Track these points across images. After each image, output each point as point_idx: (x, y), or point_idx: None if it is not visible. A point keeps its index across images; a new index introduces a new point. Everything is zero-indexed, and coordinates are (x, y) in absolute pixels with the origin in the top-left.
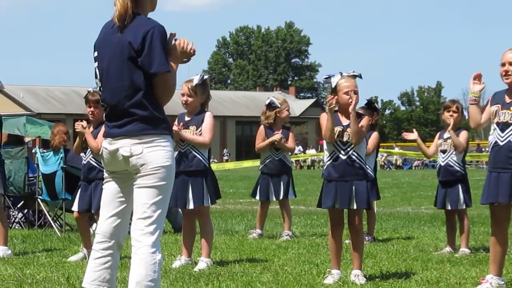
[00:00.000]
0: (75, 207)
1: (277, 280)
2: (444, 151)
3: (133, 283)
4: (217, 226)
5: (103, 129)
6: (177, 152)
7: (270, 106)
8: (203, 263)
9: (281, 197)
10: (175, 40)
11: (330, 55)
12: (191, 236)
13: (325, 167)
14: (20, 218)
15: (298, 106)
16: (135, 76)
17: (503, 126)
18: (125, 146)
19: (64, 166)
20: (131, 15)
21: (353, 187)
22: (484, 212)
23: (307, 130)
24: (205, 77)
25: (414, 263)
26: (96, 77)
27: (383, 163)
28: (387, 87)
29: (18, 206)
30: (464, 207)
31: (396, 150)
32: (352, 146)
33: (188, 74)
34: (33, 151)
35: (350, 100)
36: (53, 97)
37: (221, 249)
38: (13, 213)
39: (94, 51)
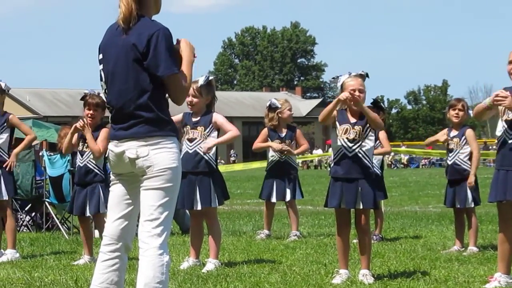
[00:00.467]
0: (69, 210)
1: (285, 280)
2: (451, 150)
3: (141, 285)
4: (225, 227)
5: (101, 134)
6: (184, 152)
7: (271, 107)
8: (211, 264)
9: (287, 198)
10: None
11: (336, 54)
12: (199, 237)
13: (332, 165)
14: (28, 221)
15: (304, 106)
16: (141, 78)
17: (511, 124)
18: (131, 148)
19: (71, 169)
20: (135, 17)
21: (359, 187)
22: (492, 210)
23: (313, 130)
24: (210, 78)
25: (422, 262)
26: (101, 79)
27: (390, 162)
28: (393, 86)
29: (26, 209)
30: (472, 205)
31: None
32: (359, 143)
33: (194, 75)
34: (40, 154)
35: (350, 93)
36: (59, 100)
37: (229, 250)
38: (21, 216)
39: (99, 54)
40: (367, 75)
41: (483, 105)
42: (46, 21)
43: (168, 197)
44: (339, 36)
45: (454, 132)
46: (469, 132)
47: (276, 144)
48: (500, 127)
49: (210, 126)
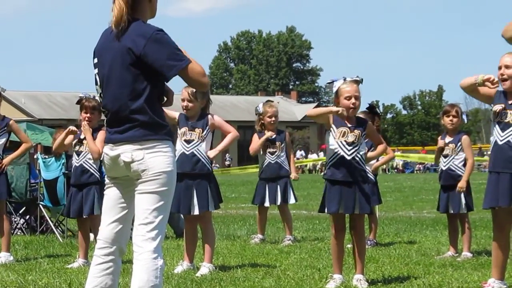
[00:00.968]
0: (66, 214)
1: (279, 285)
2: (445, 156)
3: None
4: (219, 231)
5: (99, 136)
6: (181, 153)
7: (256, 111)
8: (205, 268)
9: (278, 202)
10: None
11: (331, 59)
12: (193, 241)
13: (327, 167)
14: (22, 224)
15: (299, 110)
16: (136, 82)
17: (504, 126)
18: (126, 152)
19: (66, 171)
20: (126, 21)
21: (357, 192)
22: (486, 216)
23: (309, 135)
24: None
25: (416, 267)
26: (96, 83)
27: (385, 167)
28: (388, 91)
29: (20, 212)
30: (465, 211)
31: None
32: (357, 148)
33: None
34: (35, 157)
35: (352, 105)
36: (55, 102)
37: (223, 254)
38: (15, 219)
39: (94, 58)
40: (361, 81)
41: (473, 79)
42: (41, 24)
43: (163, 201)
44: (335, 40)
45: (449, 138)
46: (465, 139)
47: (269, 132)
48: (492, 130)
49: (207, 128)
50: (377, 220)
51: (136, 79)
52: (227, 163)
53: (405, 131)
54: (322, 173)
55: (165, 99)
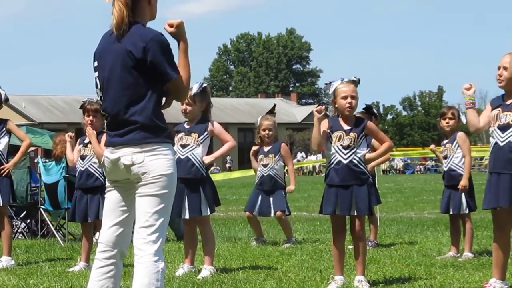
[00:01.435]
0: (71, 217)
1: (281, 287)
2: (445, 157)
3: None
4: (220, 233)
5: (103, 138)
6: (176, 158)
7: (255, 126)
8: (206, 271)
9: (271, 214)
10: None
11: (331, 61)
12: (193, 244)
13: (326, 171)
14: (23, 228)
15: (299, 112)
16: (137, 85)
17: (503, 127)
18: (127, 155)
19: (66, 175)
20: (127, 23)
21: (354, 193)
22: (487, 216)
23: (309, 137)
24: (204, 85)
25: (418, 268)
26: (96, 86)
27: (386, 168)
28: (388, 92)
29: (21, 216)
30: (467, 211)
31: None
32: (354, 150)
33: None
34: (36, 161)
35: (348, 105)
36: (55, 106)
37: (224, 257)
38: (16, 223)
39: (94, 61)
40: (358, 81)
41: (470, 111)
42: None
43: (164, 203)
44: (335, 42)
45: (446, 139)
46: (459, 135)
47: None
48: (492, 134)
49: (205, 133)
50: (377, 221)
51: (136, 82)
52: (228, 165)
53: (405, 132)
54: (323, 174)
55: (163, 100)
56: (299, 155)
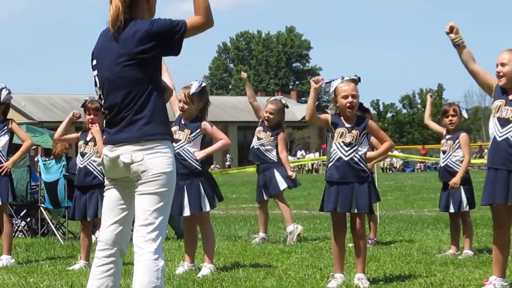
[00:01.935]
0: (71, 216)
1: (281, 285)
2: (444, 152)
3: None
4: (220, 231)
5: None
6: None
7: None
8: (206, 269)
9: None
10: None
11: (331, 59)
12: (193, 242)
13: (327, 168)
14: (23, 227)
15: (299, 110)
16: (136, 82)
17: (503, 122)
18: (126, 153)
19: (66, 174)
20: (122, 20)
21: (354, 191)
22: (487, 213)
23: (309, 134)
24: (204, 84)
25: (418, 265)
26: (95, 85)
27: (386, 166)
28: (388, 90)
29: (21, 214)
30: (467, 209)
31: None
32: (355, 148)
33: (189, 79)
34: (35, 159)
35: (349, 104)
36: (54, 105)
37: (224, 255)
38: (16, 222)
39: (93, 60)
40: (359, 80)
41: (463, 50)
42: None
43: (163, 201)
44: (334, 40)
45: (449, 135)
46: (463, 137)
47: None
48: (492, 124)
49: (197, 131)
50: (377, 219)
51: (135, 79)
52: (227, 163)
53: (405, 130)
54: (324, 173)
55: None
56: (299, 153)
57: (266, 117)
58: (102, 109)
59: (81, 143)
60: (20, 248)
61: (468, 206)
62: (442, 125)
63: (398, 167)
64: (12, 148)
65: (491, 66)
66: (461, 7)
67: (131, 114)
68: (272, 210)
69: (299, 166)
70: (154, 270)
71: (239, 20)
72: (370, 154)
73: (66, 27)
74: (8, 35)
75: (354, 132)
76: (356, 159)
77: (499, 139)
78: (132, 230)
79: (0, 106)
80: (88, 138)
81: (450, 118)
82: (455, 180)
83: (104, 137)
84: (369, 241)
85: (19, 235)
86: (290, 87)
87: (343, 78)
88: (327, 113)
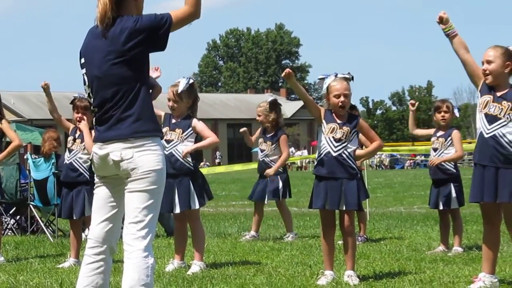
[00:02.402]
0: (58, 214)
1: (271, 282)
2: (435, 149)
3: (126, 287)
4: (210, 229)
5: (92, 135)
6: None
7: None
8: (196, 266)
9: (266, 200)
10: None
11: (320, 56)
12: (183, 240)
13: (316, 163)
14: (13, 225)
15: (289, 107)
16: (124, 79)
17: (491, 119)
18: (116, 150)
19: (56, 171)
20: (110, 17)
21: (343, 187)
22: (476, 210)
23: (298, 132)
24: (192, 81)
25: (407, 262)
26: (84, 83)
27: (376, 164)
28: (378, 87)
29: (10, 212)
30: (457, 206)
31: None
32: (345, 145)
33: (179, 76)
34: (25, 157)
35: (340, 104)
36: (44, 103)
37: (214, 252)
38: (6, 220)
39: (81, 58)
40: (352, 78)
41: (456, 38)
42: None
43: (153, 199)
44: (324, 37)
45: (440, 132)
46: (455, 134)
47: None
48: (478, 119)
49: (189, 129)
50: (366, 216)
51: (123, 76)
52: (217, 161)
53: (394, 126)
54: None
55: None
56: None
57: (259, 121)
58: (92, 107)
59: (70, 139)
60: (10, 246)
61: (457, 203)
62: (434, 121)
63: (387, 164)
64: (5, 146)
65: (480, 61)
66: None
67: (120, 112)
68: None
69: (289, 164)
70: (144, 268)
71: (228, 17)
72: (359, 152)
73: (56, 24)
74: None
75: (345, 128)
76: (344, 156)
77: (486, 135)
78: (122, 228)
79: None
80: (76, 135)
81: (442, 114)
82: (436, 160)
83: (93, 134)
84: (359, 238)
85: (9, 233)
86: (280, 84)
87: (336, 75)
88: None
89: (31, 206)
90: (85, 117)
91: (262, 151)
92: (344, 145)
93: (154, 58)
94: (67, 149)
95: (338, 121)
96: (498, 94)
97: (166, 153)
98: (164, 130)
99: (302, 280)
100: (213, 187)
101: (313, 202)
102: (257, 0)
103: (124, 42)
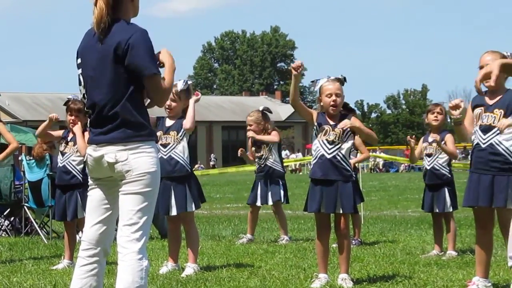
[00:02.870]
0: (53, 216)
1: (265, 285)
2: (429, 155)
3: None
4: (204, 231)
5: (86, 136)
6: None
7: None
8: (190, 268)
9: (269, 202)
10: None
11: (315, 59)
12: (177, 242)
13: (311, 166)
14: (7, 226)
15: (283, 110)
16: (120, 82)
17: (485, 128)
18: (110, 152)
19: (50, 173)
20: (106, 22)
21: (338, 191)
22: (470, 214)
23: (293, 134)
24: (189, 82)
25: (401, 266)
26: (80, 84)
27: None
28: (373, 90)
29: (5, 213)
30: (451, 210)
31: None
32: (338, 146)
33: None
34: (19, 158)
35: (332, 103)
36: (39, 104)
37: (208, 255)
38: (0, 221)
39: (77, 58)
40: (344, 79)
41: (458, 127)
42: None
43: (147, 201)
44: (319, 40)
45: (432, 137)
46: (448, 137)
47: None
48: (475, 133)
49: (182, 130)
50: (361, 219)
51: (119, 79)
52: (211, 163)
53: (389, 130)
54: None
55: (148, 100)
56: (283, 153)
57: (250, 130)
58: (85, 108)
59: (62, 142)
60: (4, 247)
61: (451, 207)
62: (426, 123)
63: (381, 167)
64: (2, 149)
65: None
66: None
67: (114, 114)
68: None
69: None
70: (138, 270)
71: (223, 19)
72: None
73: (51, 25)
74: None
75: (337, 130)
76: (338, 158)
77: (482, 145)
78: (116, 230)
79: None
80: (69, 138)
81: (436, 115)
82: (435, 137)
83: (86, 136)
84: (353, 241)
85: (3, 234)
86: (275, 87)
87: (328, 77)
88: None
89: (25, 207)
90: (78, 121)
91: (260, 158)
92: (337, 146)
93: None
94: (59, 153)
95: (331, 123)
96: (491, 102)
97: (165, 157)
98: (158, 134)
99: (296, 283)
100: (207, 190)
101: (309, 205)
102: (252, 2)
103: (116, 55)
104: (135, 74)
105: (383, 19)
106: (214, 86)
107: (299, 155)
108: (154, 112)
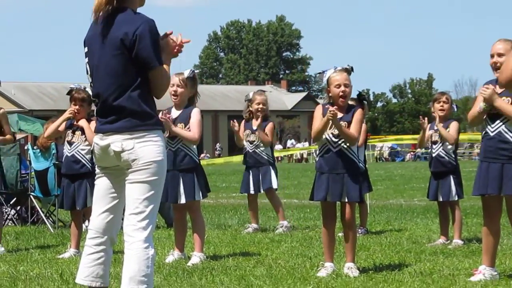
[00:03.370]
0: (60, 206)
1: (271, 273)
2: (435, 142)
3: (127, 278)
4: (210, 220)
5: (92, 124)
6: (167, 150)
7: (247, 99)
8: (196, 257)
9: (261, 189)
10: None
11: (321, 48)
12: (183, 231)
13: (317, 160)
14: (13, 215)
15: (289, 99)
16: (126, 71)
17: (493, 117)
18: (116, 141)
19: (56, 162)
20: (107, 8)
21: (345, 180)
22: (477, 203)
23: (299, 124)
24: (196, 71)
25: (407, 255)
26: (87, 72)
27: (377, 156)
28: (379, 79)
29: (11, 203)
30: (456, 198)
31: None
32: (343, 140)
33: (179, 69)
34: (26, 147)
35: (341, 93)
36: (45, 93)
37: (214, 244)
38: (6, 210)
39: (84, 47)
40: (352, 69)
41: (478, 110)
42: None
43: (154, 190)
44: (325, 29)
45: (438, 125)
46: (453, 124)
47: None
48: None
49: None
50: (367, 208)
51: (125, 68)
52: (217, 152)
53: (395, 119)
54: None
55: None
56: (289, 142)
57: (259, 109)
58: (92, 96)
59: (68, 132)
60: (10, 237)
61: (457, 196)
62: (432, 112)
63: (387, 156)
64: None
65: (480, 53)
66: None
67: (121, 103)
68: (262, 199)
69: (289, 156)
70: (144, 259)
71: (229, 9)
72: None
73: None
74: None
75: (343, 123)
76: (344, 151)
77: (491, 134)
78: (123, 219)
79: None
80: (75, 127)
81: (442, 104)
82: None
83: (93, 125)
84: (359, 230)
85: (9, 224)
86: (281, 76)
87: (335, 68)
88: (318, 103)
89: (31, 196)
90: (82, 110)
91: (251, 142)
92: (343, 140)
93: None
94: (66, 142)
95: (338, 116)
96: (499, 91)
97: (173, 149)
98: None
99: (302, 271)
100: (213, 179)
101: (315, 194)
102: None
103: (125, 42)
104: (141, 65)
105: (389, 8)
106: (220, 76)
107: (306, 144)
108: (163, 104)
